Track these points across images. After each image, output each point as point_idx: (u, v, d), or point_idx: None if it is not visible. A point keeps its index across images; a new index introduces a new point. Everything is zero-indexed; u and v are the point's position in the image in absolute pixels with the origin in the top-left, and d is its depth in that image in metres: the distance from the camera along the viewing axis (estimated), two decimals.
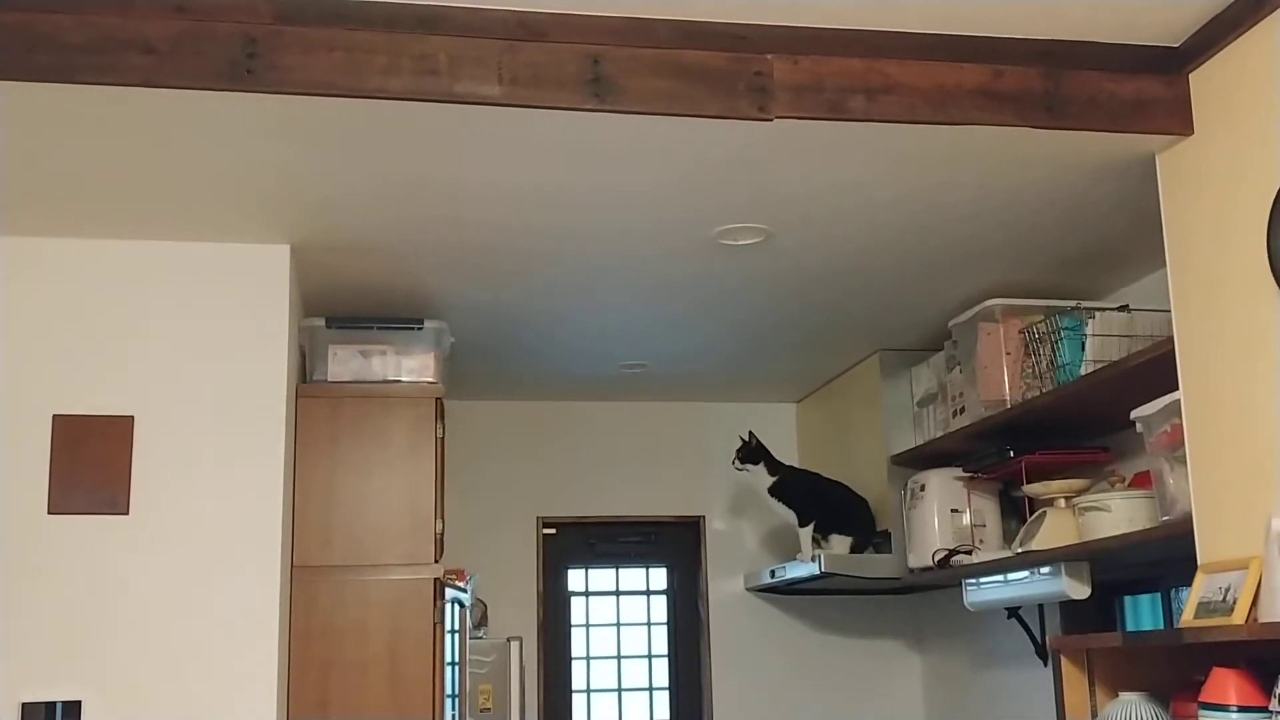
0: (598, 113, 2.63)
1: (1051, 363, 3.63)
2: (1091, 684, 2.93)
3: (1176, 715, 2.76)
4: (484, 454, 5.18)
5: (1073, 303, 3.69)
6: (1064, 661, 2.92)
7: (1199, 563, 2.68)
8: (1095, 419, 3.64)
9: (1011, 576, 3.85)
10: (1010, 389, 3.80)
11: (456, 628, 3.94)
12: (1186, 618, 2.61)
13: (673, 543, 5.36)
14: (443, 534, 3.68)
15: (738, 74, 2.66)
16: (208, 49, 2.49)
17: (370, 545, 3.57)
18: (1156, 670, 2.89)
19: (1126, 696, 2.81)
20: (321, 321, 3.72)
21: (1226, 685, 2.42)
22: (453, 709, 3.85)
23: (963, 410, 4.09)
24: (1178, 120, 2.79)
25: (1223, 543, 2.62)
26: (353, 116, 2.63)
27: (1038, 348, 3.71)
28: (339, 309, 3.84)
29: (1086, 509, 3.42)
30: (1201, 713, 2.47)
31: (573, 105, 2.62)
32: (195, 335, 3.29)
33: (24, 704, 3.03)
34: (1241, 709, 2.40)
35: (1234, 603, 2.47)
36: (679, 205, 3.18)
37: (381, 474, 3.62)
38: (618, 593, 5.37)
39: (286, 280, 3.36)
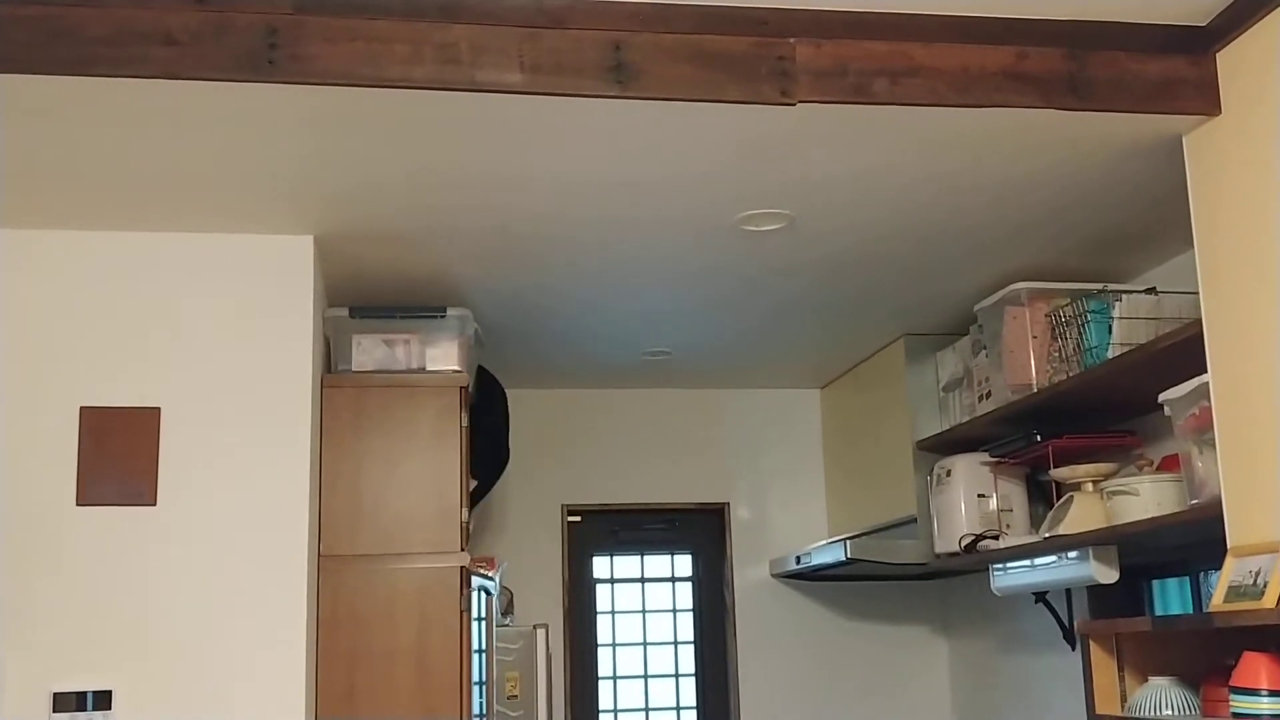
0: (620, 99, 2.63)
1: (1078, 346, 3.61)
2: (1120, 669, 2.91)
3: (1207, 700, 2.74)
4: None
5: (1099, 285, 3.66)
6: (1093, 646, 2.90)
7: (1229, 546, 2.65)
8: (1123, 402, 3.62)
9: (1039, 561, 3.83)
10: (1037, 373, 3.77)
11: (483, 615, 3.95)
12: (1216, 601, 2.59)
13: (697, 529, 5.36)
14: (469, 522, 3.69)
15: (760, 59, 2.65)
16: (229, 40, 2.49)
17: (396, 534, 3.58)
18: (1187, 655, 2.87)
19: (1156, 681, 2.80)
20: (345, 311, 3.73)
21: (1258, 669, 2.41)
22: (480, 696, 3.86)
23: (989, 395, 4.07)
24: (1205, 100, 2.76)
25: (1253, 526, 2.60)
26: (375, 106, 2.63)
27: (1064, 331, 3.68)
28: (364, 299, 3.84)
29: (1114, 493, 3.40)
30: (1232, 697, 2.45)
31: (595, 92, 2.61)
32: (220, 326, 3.30)
33: (55, 693, 3.05)
34: (1273, 693, 2.38)
35: (1264, 586, 2.45)
36: (702, 191, 3.17)
37: (407, 463, 3.63)
38: (643, 580, 5.37)
39: (310, 271, 3.36)
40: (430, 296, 3.88)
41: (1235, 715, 2.43)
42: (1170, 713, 2.73)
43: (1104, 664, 2.92)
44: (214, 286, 3.31)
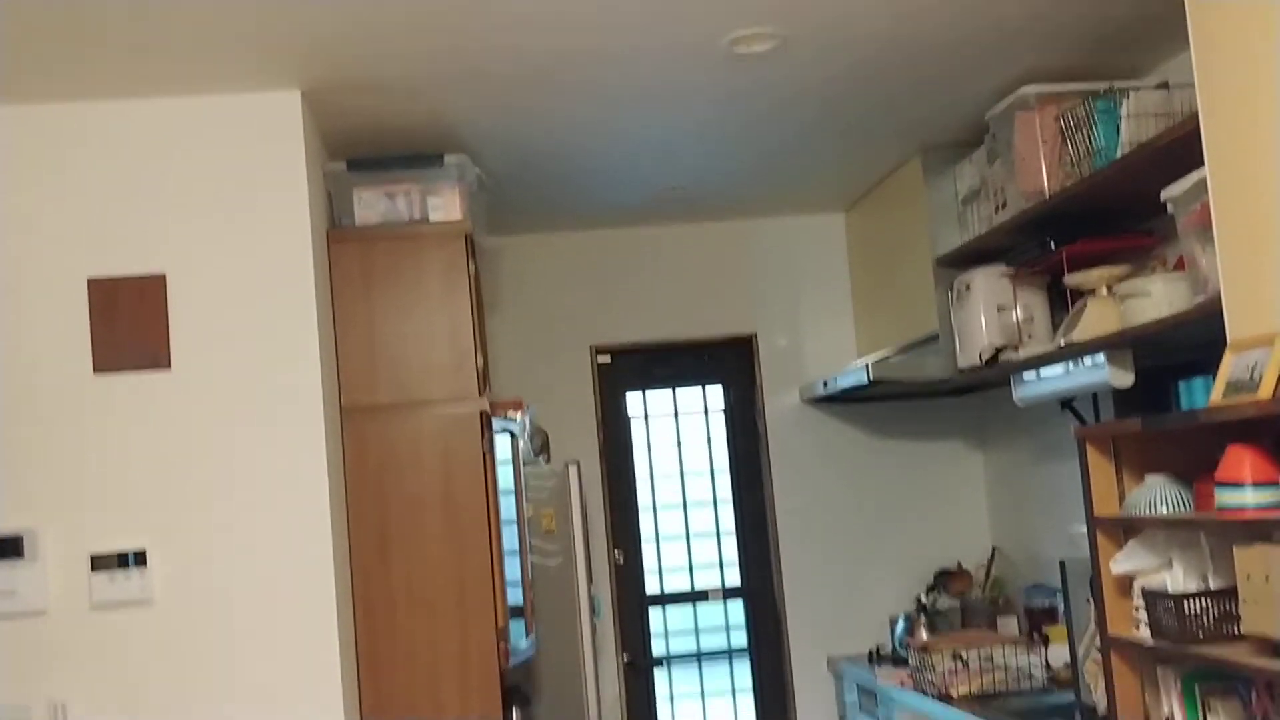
0: None
1: (1088, 149, 3.51)
2: (1120, 471, 2.90)
3: (1200, 495, 2.73)
4: (533, 287, 5.19)
5: (1107, 84, 3.54)
6: (1090, 450, 2.89)
7: (1228, 341, 2.61)
8: (1136, 203, 3.51)
9: (1057, 369, 3.80)
10: (1049, 179, 3.69)
11: (510, 457, 4.02)
12: (1214, 398, 2.56)
13: (727, 361, 5.38)
14: (484, 367, 3.72)
15: None
16: None
17: (415, 383, 3.64)
18: (1189, 453, 2.86)
19: (1152, 480, 2.79)
20: (343, 165, 3.72)
21: (1242, 462, 2.39)
22: (513, 534, 3.95)
23: (1005, 204, 3.99)
24: None
25: (1251, 318, 2.55)
26: None
27: (1073, 134, 3.59)
28: (364, 152, 3.82)
29: (1127, 295, 3.35)
30: (1217, 491, 2.44)
31: None
32: (217, 189, 3.31)
33: (93, 555, 3.18)
34: (1258, 485, 2.37)
35: (1260, 378, 2.41)
36: (684, 16, 3.09)
37: (418, 313, 3.66)
38: (675, 413, 5.41)
39: (299, 126, 3.35)
40: (433, 146, 3.84)
41: (1221, 509, 2.43)
42: (1165, 510, 2.73)
43: (1101, 467, 2.91)
44: (205, 149, 3.31)
